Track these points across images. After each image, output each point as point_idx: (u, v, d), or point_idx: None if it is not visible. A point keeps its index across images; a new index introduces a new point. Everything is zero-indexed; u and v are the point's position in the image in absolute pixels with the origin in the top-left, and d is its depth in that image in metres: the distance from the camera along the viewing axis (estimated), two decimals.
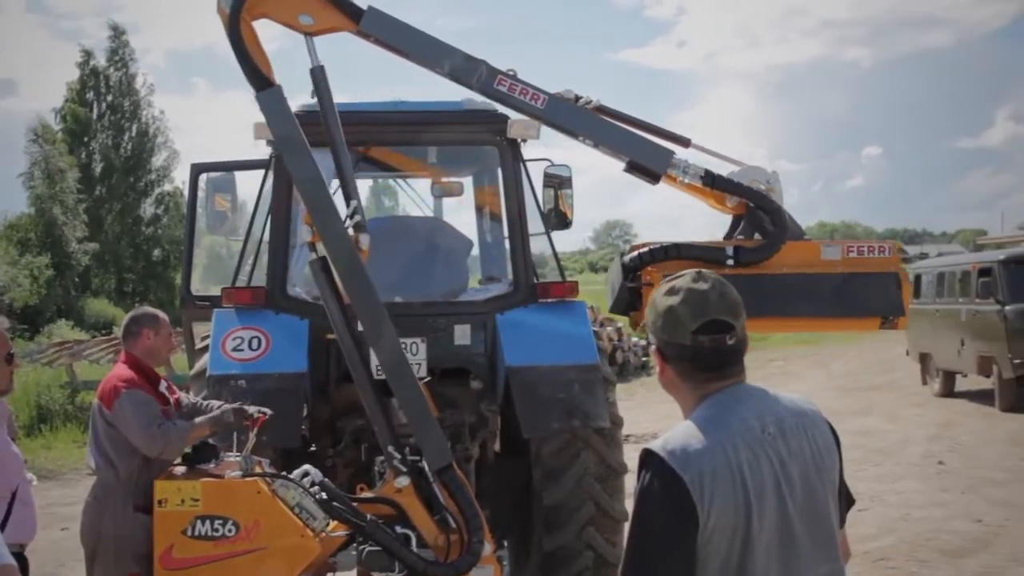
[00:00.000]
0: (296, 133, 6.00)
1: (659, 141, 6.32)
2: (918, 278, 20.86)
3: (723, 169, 6.35)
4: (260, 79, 5.98)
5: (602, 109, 6.31)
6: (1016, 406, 16.48)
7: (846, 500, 2.84)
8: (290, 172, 6.14)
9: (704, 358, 2.67)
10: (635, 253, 6.03)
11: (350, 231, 5.94)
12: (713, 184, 6.19)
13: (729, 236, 6.31)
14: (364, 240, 5.98)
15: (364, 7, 6.11)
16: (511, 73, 6.23)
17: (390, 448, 5.88)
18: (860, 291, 6.15)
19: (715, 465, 2.52)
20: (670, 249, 5.98)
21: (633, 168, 6.29)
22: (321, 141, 7.40)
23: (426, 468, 5.89)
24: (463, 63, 6.19)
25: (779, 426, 2.64)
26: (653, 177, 6.25)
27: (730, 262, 6.00)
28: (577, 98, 6.28)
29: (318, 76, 6.11)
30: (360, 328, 6.03)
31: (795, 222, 6.27)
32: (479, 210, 8.92)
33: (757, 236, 6.20)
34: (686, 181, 6.21)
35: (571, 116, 6.26)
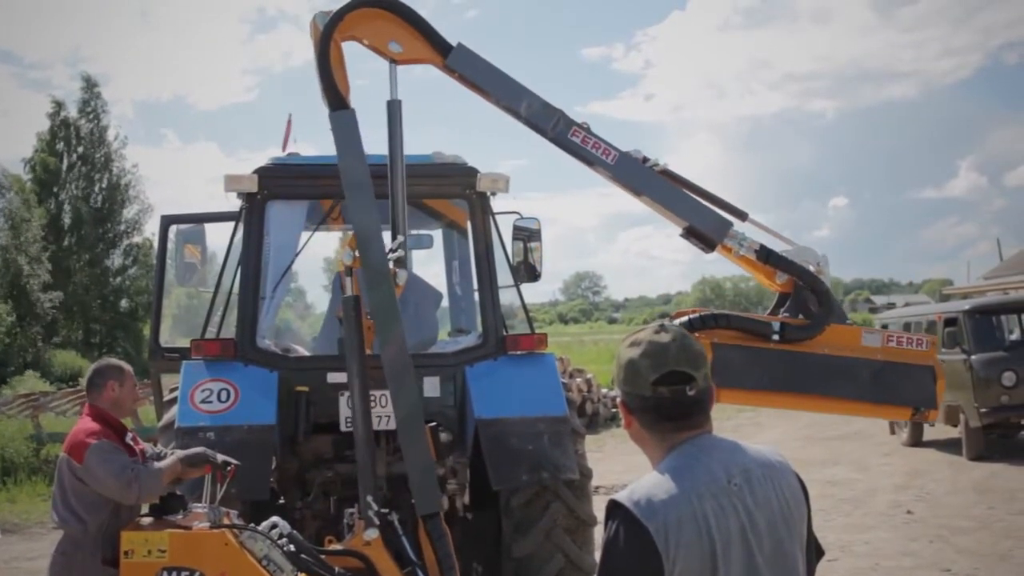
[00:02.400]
0: (360, 159, 6.10)
1: (718, 211, 6.38)
2: (884, 328, 21.00)
3: (774, 244, 6.42)
4: (337, 99, 6.12)
5: (667, 173, 6.37)
6: (983, 455, 16.56)
7: (815, 551, 2.86)
8: (344, 192, 6.19)
9: (665, 409, 2.69)
10: (684, 318, 5.99)
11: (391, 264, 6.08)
12: (767, 260, 6.24)
13: (774, 312, 6.38)
14: (402, 276, 6.11)
15: (453, 44, 6.24)
16: (585, 126, 6.30)
17: (369, 498, 5.88)
18: (897, 380, 6.18)
19: (680, 515, 2.54)
20: (720, 318, 6.01)
21: (691, 234, 6.34)
22: (290, 193, 7.49)
23: (395, 522, 5.89)
24: (541, 110, 6.27)
25: (745, 477, 2.65)
26: (709, 245, 6.30)
27: (775, 337, 6.04)
28: (645, 159, 6.34)
29: (394, 109, 6.25)
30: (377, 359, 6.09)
31: (840, 306, 6.35)
32: (449, 262, 8.97)
33: (801, 316, 6.27)
34: (741, 253, 6.26)
35: (639, 176, 6.31)
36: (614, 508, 2.61)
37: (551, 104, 6.28)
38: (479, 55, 6.26)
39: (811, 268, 6.27)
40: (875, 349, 6.22)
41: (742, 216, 6.41)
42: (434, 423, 6.33)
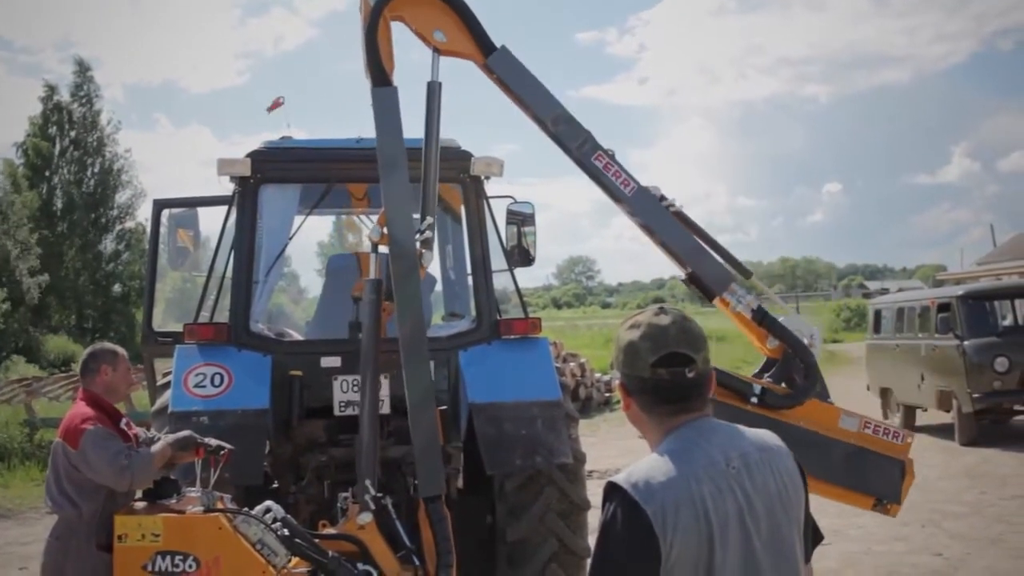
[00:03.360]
0: (397, 138, 6.13)
1: (723, 264, 6.36)
2: (878, 313, 21.04)
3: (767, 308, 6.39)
4: (381, 75, 6.15)
5: (680, 215, 6.35)
6: (975, 440, 16.61)
7: (813, 536, 2.87)
8: (379, 169, 6.18)
9: (664, 391, 2.69)
10: None
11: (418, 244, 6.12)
12: (762, 322, 6.22)
13: (759, 375, 6.35)
14: (427, 257, 6.13)
15: (498, 45, 6.25)
16: (610, 152, 6.28)
17: (367, 482, 5.88)
18: (866, 468, 6.18)
19: (678, 498, 2.53)
20: None
21: (692, 281, 6.33)
22: (284, 177, 7.46)
23: (389, 506, 5.89)
24: (570, 128, 6.28)
25: (743, 460, 2.66)
26: (708, 296, 6.31)
27: (754, 400, 6.03)
28: (662, 197, 6.32)
29: (434, 90, 6.25)
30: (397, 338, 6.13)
31: (824, 383, 6.32)
32: (442, 247, 8.94)
33: (784, 385, 6.23)
34: (737, 309, 6.24)
35: (652, 212, 6.30)
36: (612, 490, 2.60)
37: (581, 124, 6.26)
38: (520, 62, 6.25)
39: (804, 339, 6.24)
40: (851, 433, 6.23)
41: (747, 274, 6.41)
42: (444, 407, 6.33)
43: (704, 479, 2.58)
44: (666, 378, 2.67)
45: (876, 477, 6.24)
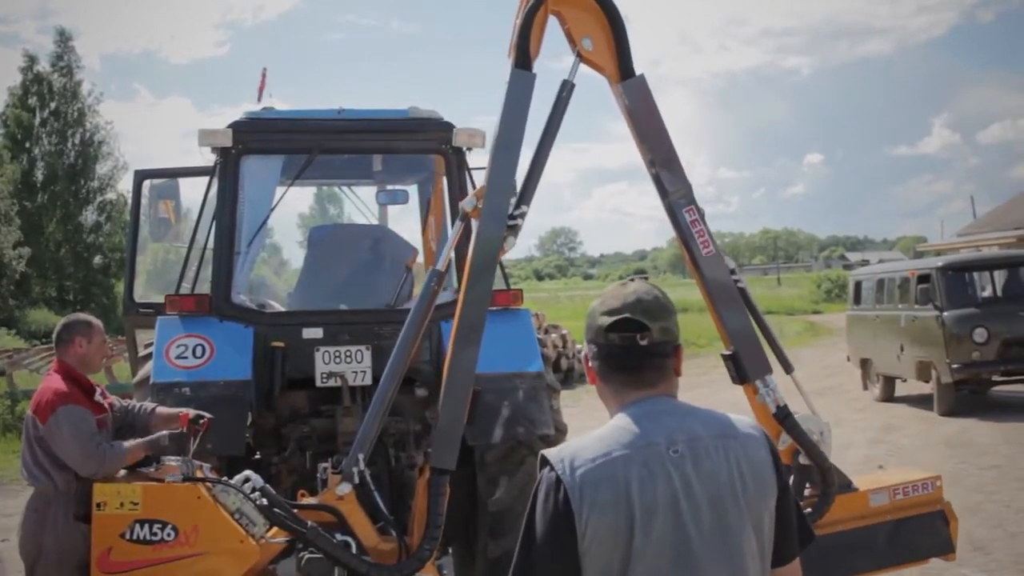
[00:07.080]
0: (521, 122, 6.09)
1: (768, 354, 6.30)
2: (858, 284, 21.13)
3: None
4: (524, 58, 6.09)
5: (743, 292, 6.32)
6: (954, 410, 16.73)
7: (800, 535, 2.81)
8: (495, 145, 6.12)
9: (616, 358, 2.70)
10: None
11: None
12: (783, 420, 6.15)
13: None
14: (510, 242, 6.11)
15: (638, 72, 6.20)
16: (702, 211, 6.27)
17: (360, 455, 5.88)
18: (911, 536, 6.11)
19: (599, 476, 2.52)
20: None
21: (731, 359, 6.27)
22: (265, 148, 7.43)
23: (367, 478, 5.91)
24: (672, 173, 6.23)
25: (691, 446, 2.59)
26: (741, 379, 6.19)
27: None
28: (733, 271, 6.31)
29: (566, 90, 6.20)
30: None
31: (841, 473, 6.24)
32: (424, 218, 8.94)
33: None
34: (764, 401, 6.16)
35: (719, 281, 6.23)
36: (543, 462, 2.64)
37: (685, 174, 6.26)
38: (651, 94, 6.23)
39: (814, 437, 6.20)
40: (884, 508, 6.14)
41: (788, 369, 6.37)
42: (479, 388, 6.35)
43: (635, 461, 2.55)
44: (618, 343, 2.68)
45: (923, 540, 6.18)
